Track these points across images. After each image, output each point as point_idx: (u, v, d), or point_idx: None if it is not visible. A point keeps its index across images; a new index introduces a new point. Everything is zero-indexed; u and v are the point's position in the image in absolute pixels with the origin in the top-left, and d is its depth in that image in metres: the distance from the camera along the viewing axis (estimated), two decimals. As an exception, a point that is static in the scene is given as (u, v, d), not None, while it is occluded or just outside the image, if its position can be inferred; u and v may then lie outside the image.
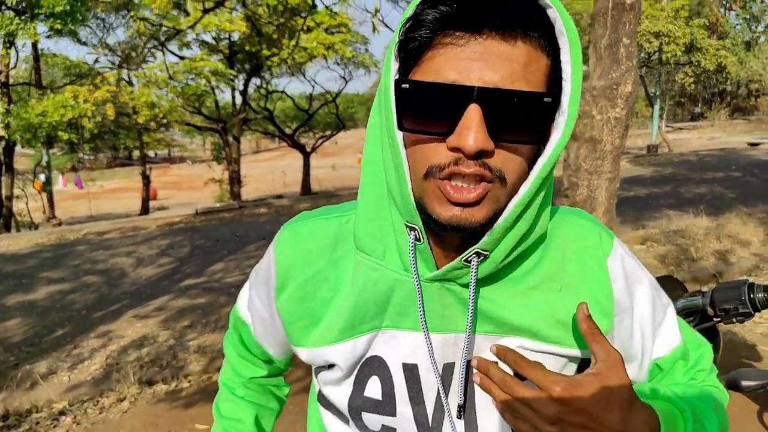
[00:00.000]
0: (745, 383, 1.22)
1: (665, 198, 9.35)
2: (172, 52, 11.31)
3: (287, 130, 20.33)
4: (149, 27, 11.20)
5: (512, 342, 0.67)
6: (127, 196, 26.87)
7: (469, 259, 0.60)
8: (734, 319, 1.15)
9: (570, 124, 0.58)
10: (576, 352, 0.69)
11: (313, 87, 20.51)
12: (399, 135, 0.59)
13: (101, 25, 15.79)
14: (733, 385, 1.24)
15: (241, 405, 0.94)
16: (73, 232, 12.00)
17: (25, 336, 5.25)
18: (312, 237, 0.73)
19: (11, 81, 13.25)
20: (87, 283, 7.26)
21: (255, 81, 18.07)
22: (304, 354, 0.74)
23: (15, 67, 13.41)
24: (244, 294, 0.88)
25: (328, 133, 21.69)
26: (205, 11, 6.10)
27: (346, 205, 0.77)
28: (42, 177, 33.44)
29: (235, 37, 14.70)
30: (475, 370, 0.62)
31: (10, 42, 10.82)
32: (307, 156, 19.14)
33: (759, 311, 1.12)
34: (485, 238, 0.59)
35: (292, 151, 22.17)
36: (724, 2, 31.16)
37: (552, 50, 0.57)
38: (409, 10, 0.56)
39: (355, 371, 0.71)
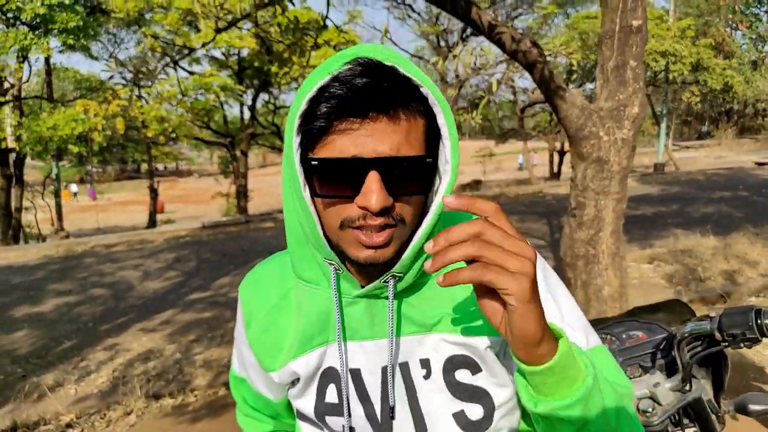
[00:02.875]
0: (753, 407, 1.24)
1: (672, 217, 9.32)
2: (183, 68, 11.47)
3: (294, 145, 20.44)
4: (161, 43, 11.36)
5: (434, 337, 0.79)
6: (135, 209, 27.05)
7: (386, 280, 0.73)
8: (742, 345, 1.17)
9: (455, 170, 0.71)
10: (491, 339, 0.78)
11: (321, 103, 20.56)
12: (306, 196, 0.71)
13: (112, 40, 16.03)
14: (741, 409, 1.25)
15: None
16: (81, 245, 12.08)
17: (33, 348, 5.28)
18: (264, 279, 0.88)
19: (23, 94, 13.43)
20: (94, 295, 7.30)
21: (263, 96, 18.26)
22: (276, 377, 0.85)
23: (27, 81, 13.60)
24: (234, 357, 0.99)
25: (335, 148, 21.80)
26: (218, 31, 6.19)
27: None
28: (74, 187, 33.73)
29: (245, 53, 14.90)
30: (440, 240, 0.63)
31: (23, 56, 10.98)
32: (313, 171, 19.22)
33: (766, 336, 1.14)
34: (397, 266, 0.72)
35: (299, 166, 22.25)
36: (730, 22, 31.31)
37: (428, 114, 0.70)
38: (300, 105, 0.67)
39: (316, 382, 0.83)
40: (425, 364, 0.80)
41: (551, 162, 23.83)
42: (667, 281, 5.82)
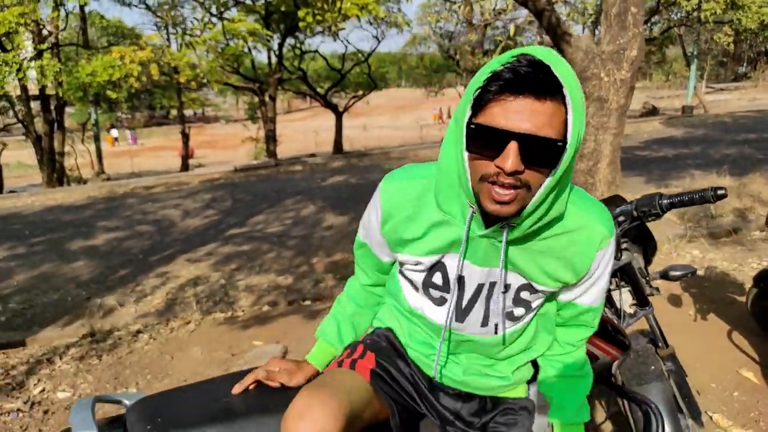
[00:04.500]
0: (673, 273, 1.68)
1: (693, 158, 9.43)
2: (212, 14, 11.64)
3: (320, 90, 20.60)
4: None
5: (517, 275, 1.13)
6: (165, 154, 27.66)
7: (503, 227, 1.02)
8: (649, 218, 1.62)
9: (569, 158, 0.93)
10: (549, 289, 1.15)
11: (346, 47, 20.56)
12: (465, 155, 0.96)
13: (141, -14, 16.14)
14: (665, 275, 1.69)
15: (349, 303, 1.44)
16: (122, 186, 12.74)
17: (92, 275, 5.86)
18: (406, 191, 1.16)
19: (60, 42, 13.82)
20: (141, 231, 7.89)
21: (290, 41, 18.31)
22: (400, 257, 1.20)
23: (65, 28, 13.95)
24: (360, 230, 1.33)
25: (360, 93, 21.86)
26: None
27: (427, 169, 1.16)
28: (114, 132, 34.57)
29: (271, -3, 14.92)
30: None
31: (59, 3, 11.31)
32: (339, 116, 19.44)
33: (664, 213, 1.59)
34: (515, 219, 0.99)
35: (324, 111, 22.47)
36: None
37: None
38: (480, 81, 0.92)
39: (429, 268, 1.18)
40: (507, 287, 1.15)
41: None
42: (678, 218, 6.05)
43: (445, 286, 1.17)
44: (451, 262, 1.14)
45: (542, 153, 0.89)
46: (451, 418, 1.27)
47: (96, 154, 15.32)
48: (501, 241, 1.04)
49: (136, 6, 14.77)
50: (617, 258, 1.64)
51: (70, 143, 16.54)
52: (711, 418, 2.41)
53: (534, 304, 1.19)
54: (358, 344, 1.33)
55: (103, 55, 11.04)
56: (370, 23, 17.83)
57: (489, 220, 1.04)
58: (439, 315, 1.21)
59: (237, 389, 1.25)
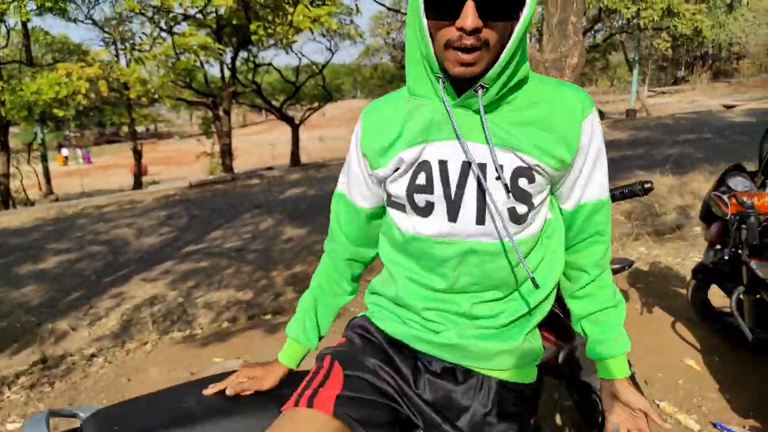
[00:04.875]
0: (611, 267, 1.76)
1: (637, 160, 9.81)
2: (162, 28, 11.47)
3: (275, 103, 20.49)
4: (137, 2, 11.32)
5: (511, 153, 1.05)
6: (117, 172, 26.90)
7: (476, 89, 1.00)
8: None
9: (532, 4, 0.95)
10: (545, 167, 1.06)
11: (300, 59, 20.49)
12: (425, 22, 0.96)
13: (86, 1, 15.77)
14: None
15: (315, 289, 1.38)
16: (71, 207, 12.34)
17: (43, 299, 5.66)
18: (384, 106, 1.18)
19: (1, 59, 13.35)
20: (93, 252, 7.66)
21: (243, 54, 18.17)
22: (382, 172, 1.14)
23: (6, 45, 13.49)
24: (340, 177, 1.30)
25: (315, 105, 21.85)
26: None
27: (401, 89, 1.18)
28: (65, 151, 33.35)
29: (222, 11, 14.80)
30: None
31: (0, 20, 10.93)
32: (295, 128, 19.37)
33: (641, 195, 1.63)
34: (484, 78, 0.98)
35: (280, 124, 22.36)
36: (706, -35, 31.17)
37: None
38: None
39: (411, 170, 1.10)
40: (499, 168, 1.04)
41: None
42: (625, 217, 6.30)
43: (429, 186, 1.08)
44: (433, 151, 1.08)
45: (499, 6, 0.92)
46: (438, 420, 1.13)
47: (43, 174, 14.80)
48: (477, 110, 1.02)
49: (82, 22, 14.41)
50: None
51: (15, 164, 15.95)
52: (658, 405, 2.53)
53: (536, 200, 1.08)
54: (325, 356, 1.25)
55: (49, 72, 10.73)
56: (323, 35, 17.90)
57: (460, 91, 1.03)
58: (430, 224, 1.11)
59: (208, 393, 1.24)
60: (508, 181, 1.04)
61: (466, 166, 1.06)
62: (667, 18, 15.91)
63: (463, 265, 1.12)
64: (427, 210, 1.10)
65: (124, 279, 6.19)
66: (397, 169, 1.12)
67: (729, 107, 18.06)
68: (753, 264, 1.86)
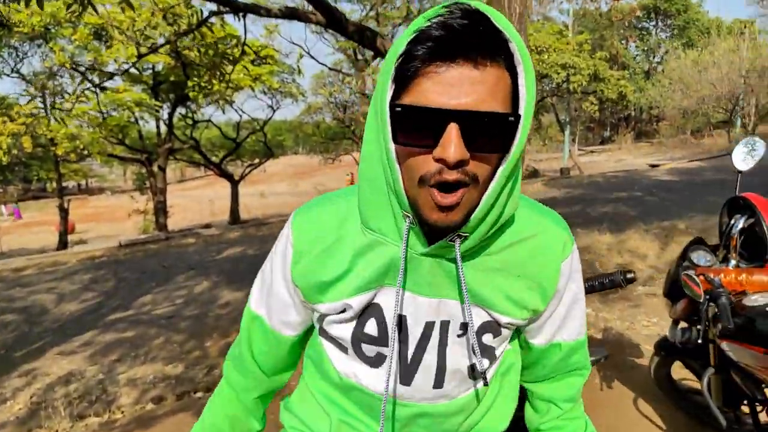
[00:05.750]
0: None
1: (574, 217, 10.07)
2: (93, 84, 11.06)
3: (214, 159, 20.11)
4: (68, 57, 10.96)
5: (479, 308, 0.87)
6: (42, 230, 25.44)
7: (453, 239, 0.78)
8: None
9: (524, 134, 0.72)
10: (516, 321, 0.90)
11: (241, 116, 20.36)
12: (392, 147, 0.73)
13: (14, 54, 15.20)
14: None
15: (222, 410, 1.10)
16: (-15, 270, 11.37)
17: (-61, 380, 5.03)
18: (321, 220, 0.90)
19: None
20: (4, 321, 6.98)
21: (180, 110, 17.86)
22: (323, 308, 0.91)
23: None
24: (254, 293, 1.03)
25: (256, 161, 21.62)
26: (140, 56, 6.20)
27: (345, 191, 0.93)
28: None
29: (159, 67, 14.58)
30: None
31: None
32: (235, 184, 19.00)
33: (624, 287, 1.54)
34: (466, 226, 0.77)
35: (220, 180, 21.93)
36: (623, 37, 33.87)
37: (512, 72, 0.72)
38: (401, 47, 0.70)
39: (359, 315, 0.89)
40: (464, 326, 0.87)
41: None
42: (568, 276, 6.34)
43: (382, 337, 0.88)
44: (387, 300, 0.87)
45: (490, 133, 0.69)
46: None
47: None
48: (452, 259, 0.82)
49: (8, 75, 13.77)
50: None
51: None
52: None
53: (498, 352, 0.93)
54: None
55: (-35, 126, 10.06)
56: (264, 93, 17.89)
57: (431, 234, 0.81)
58: (378, 379, 0.91)
59: None
60: (474, 340, 0.85)
61: (429, 326, 0.88)
62: (594, 83, 16.93)
63: (411, 426, 0.95)
64: (375, 362, 0.91)
65: (38, 353, 5.62)
66: (342, 311, 0.90)
67: (654, 166, 19.15)
68: (725, 345, 1.77)
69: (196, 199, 29.21)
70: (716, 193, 10.70)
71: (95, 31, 11.35)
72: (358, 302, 0.87)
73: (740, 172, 2.18)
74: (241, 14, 4.34)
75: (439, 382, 0.91)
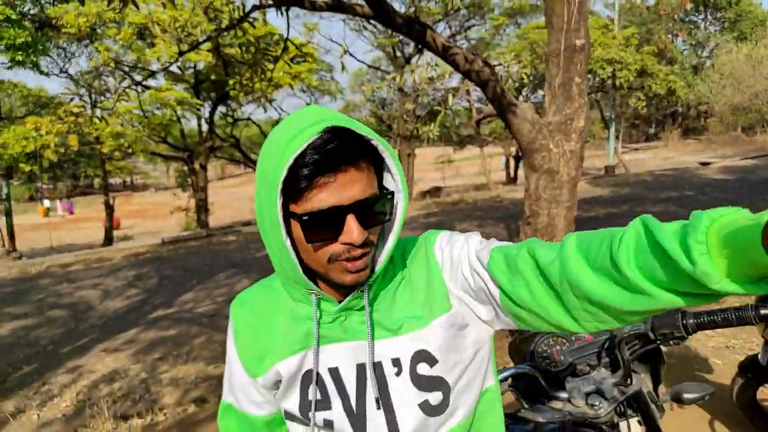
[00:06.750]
0: (686, 396, 1.40)
1: (623, 218, 9.71)
2: (138, 82, 11.26)
3: (254, 157, 20.30)
4: (113, 57, 11.17)
5: (401, 339, 0.94)
6: (89, 225, 26.25)
7: (362, 290, 0.92)
8: (671, 342, 1.31)
9: (406, 200, 0.91)
10: (436, 323, 0.94)
11: (280, 114, 20.49)
12: (288, 246, 0.86)
13: (62, 55, 15.61)
14: (677, 398, 1.41)
15: None
16: (35, 266, 11.73)
17: (-12, 375, 5.13)
18: (253, 299, 1.04)
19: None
20: (52, 317, 7.13)
21: (221, 109, 18.08)
22: (261, 381, 0.99)
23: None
24: (224, 384, 1.10)
25: (294, 158, 21.65)
26: (181, 54, 6.21)
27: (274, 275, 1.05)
28: (47, 202, 32.87)
29: (201, 66, 14.76)
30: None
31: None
32: (274, 182, 19.07)
33: (690, 335, 1.29)
34: (371, 279, 0.92)
35: (259, 178, 22.05)
36: (671, 30, 32.73)
37: (374, 159, 0.89)
38: (282, 168, 0.81)
39: (299, 384, 0.97)
40: (396, 362, 0.93)
41: (507, 167, 24.39)
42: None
43: (326, 401, 0.96)
44: (320, 358, 0.96)
45: (377, 211, 0.88)
46: None
47: (7, 230, 14.14)
48: (361, 308, 0.94)
49: (57, 75, 14.16)
50: (625, 384, 1.37)
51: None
52: None
53: (450, 379, 0.94)
54: None
55: (16, 126, 10.33)
56: (303, 91, 17.92)
57: (341, 291, 0.94)
58: None
59: None
60: (408, 373, 0.93)
61: (362, 369, 0.95)
62: (641, 78, 16.34)
63: None
64: (328, 422, 0.96)
65: (84, 349, 5.69)
66: (277, 383, 0.99)
67: (705, 164, 18.40)
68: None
69: (236, 196, 29.63)
70: (776, 192, 10.14)
71: (138, 31, 11.52)
72: (286, 367, 0.96)
73: None
74: (284, 8, 4.24)
75: (393, 428, 0.94)
